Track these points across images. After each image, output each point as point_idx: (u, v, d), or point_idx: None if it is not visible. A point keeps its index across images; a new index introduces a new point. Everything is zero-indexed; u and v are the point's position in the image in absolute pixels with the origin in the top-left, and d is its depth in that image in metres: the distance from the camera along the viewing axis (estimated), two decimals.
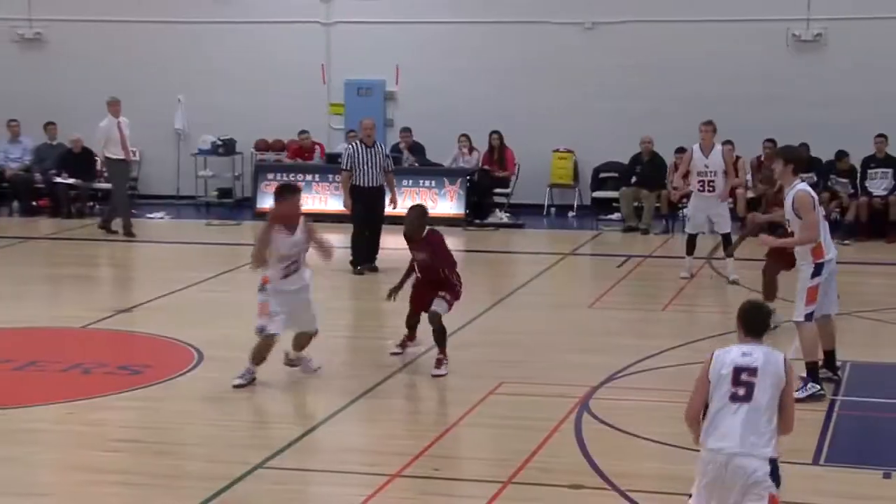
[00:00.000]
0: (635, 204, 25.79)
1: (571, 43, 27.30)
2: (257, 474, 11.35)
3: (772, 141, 23.89)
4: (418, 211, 14.78)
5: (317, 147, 28.01)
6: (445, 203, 25.76)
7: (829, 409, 13.19)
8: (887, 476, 11.50)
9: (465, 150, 27.12)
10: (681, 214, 25.45)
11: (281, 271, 13.81)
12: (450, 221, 24.24)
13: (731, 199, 22.22)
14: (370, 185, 20.18)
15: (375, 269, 20.23)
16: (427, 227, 14.54)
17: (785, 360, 8.40)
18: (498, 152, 27.15)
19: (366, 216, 20.33)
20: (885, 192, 24.77)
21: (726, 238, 19.79)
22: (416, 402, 12.56)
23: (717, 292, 19.74)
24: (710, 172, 19.94)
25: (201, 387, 14.32)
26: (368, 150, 20.21)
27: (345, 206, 20.79)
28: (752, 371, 8.32)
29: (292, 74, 28.34)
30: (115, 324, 17.45)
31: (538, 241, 25.02)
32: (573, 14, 27.23)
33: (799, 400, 11.65)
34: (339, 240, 19.22)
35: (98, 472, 11.33)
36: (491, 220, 26.24)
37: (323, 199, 26.19)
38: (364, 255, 20.30)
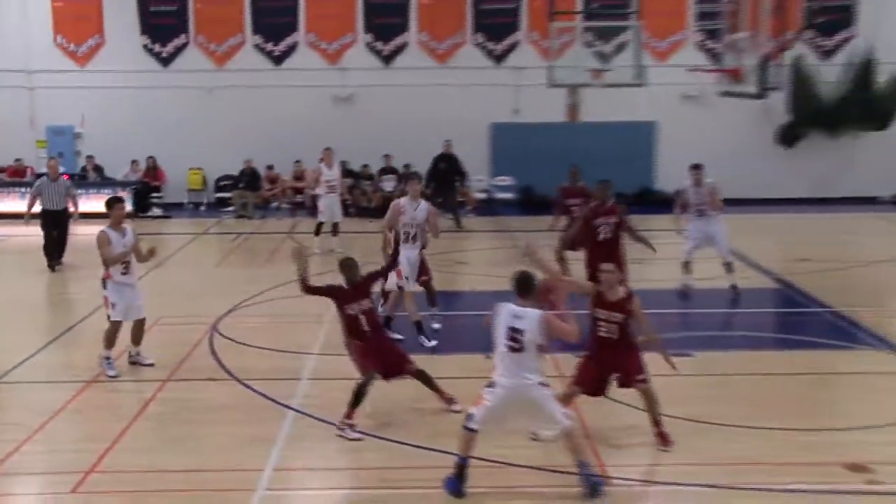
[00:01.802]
0: (242, 201, 25.76)
1: (199, 100, 26.97)
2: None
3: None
4: (353, 259, 10.20)
5: (28, 169, 26.71)
6: None
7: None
8: (488, 357, 11.96)
9: (133, 170, 26.50)
10: (273, 205, 25.94)
11: (121, 267, 11.43)
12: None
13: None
14: (54, 208, 18.24)
15: (61, 264, 18.21)
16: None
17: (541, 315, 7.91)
18: (153, 170, 26.66)
19: (51, 231, 18.28)
20: (392, 189, 25.57)
21: (336, 225, 19.90)
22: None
23: (313, 258, 19.88)
24: (333, 180, 19.95)
25: None
26: (53, 182, 18.36)
27: (25, 217, 18.30)
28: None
29: (10, 120, 26.90)
30: None
31: (181, 226, 24.71)
32: (200, 82, 26.89)
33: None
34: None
35: None
36: (150, 214, 25.78)
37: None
38: (53, 256, 18.22)
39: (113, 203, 11.70)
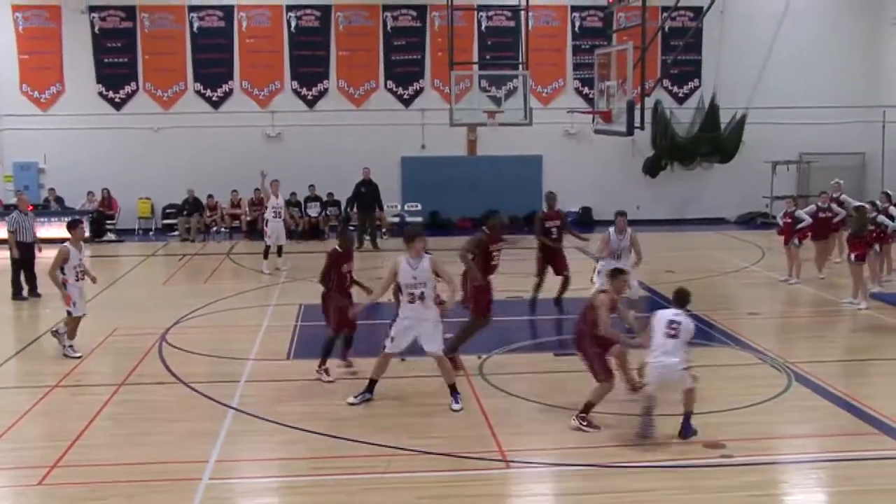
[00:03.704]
0: (186, 226, 25.24)
1: (148, 139, 26.37)
2: None
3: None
4: (348, 233, 11.59)
5: None
6: None
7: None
8: (349, 365, 11.67)
9: (90, 200, 25.69)
10: (213, 230, 25.31)
11: (76, 275, 12.15)
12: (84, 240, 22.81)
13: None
14: (27, 240, 16.72)
15: (39, 296, 16.53)
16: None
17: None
18: (107, 200, 25.97)
19: (24, 262, 16.64)
20: (315, 214, 25.41)
21: (280, 248, 19.34)
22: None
23: (249, 275, 19.58)
24: (279, 207, 19.39)
25: None
26: (25, 216, 16.97)
27: (11, 256, 16.56)
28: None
29: None
30: None
31: (132, 249, 24.10)
32: (148, 123, 26.31)
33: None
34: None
35: None
36: (105, 239, 25.10)
37: (2, 232, 23.97)
38: (20, 289, 16.62)
39: (75, 225, 12.40)
